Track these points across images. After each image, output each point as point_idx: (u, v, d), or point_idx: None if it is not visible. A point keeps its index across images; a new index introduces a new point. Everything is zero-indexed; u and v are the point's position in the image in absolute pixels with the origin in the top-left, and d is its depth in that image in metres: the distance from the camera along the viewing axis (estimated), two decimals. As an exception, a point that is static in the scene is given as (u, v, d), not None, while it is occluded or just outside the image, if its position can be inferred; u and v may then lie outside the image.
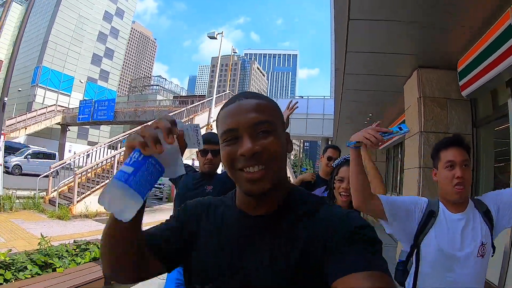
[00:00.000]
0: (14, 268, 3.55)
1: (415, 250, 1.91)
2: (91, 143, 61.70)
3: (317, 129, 24.08)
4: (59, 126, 46.61)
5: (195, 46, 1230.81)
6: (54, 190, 11.61)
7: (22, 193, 11.61)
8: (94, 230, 8.48)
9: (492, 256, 1.84)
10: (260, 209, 0.93)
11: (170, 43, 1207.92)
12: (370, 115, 9.40)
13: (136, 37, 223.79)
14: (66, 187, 11.95)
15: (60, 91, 58.57)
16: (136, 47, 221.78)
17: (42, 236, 4.15)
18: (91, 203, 10.88)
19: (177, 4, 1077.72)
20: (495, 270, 4.23)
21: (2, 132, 10.34)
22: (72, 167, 14.11)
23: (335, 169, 2.69)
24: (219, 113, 0.97)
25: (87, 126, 55.90)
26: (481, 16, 4.09)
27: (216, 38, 20.32)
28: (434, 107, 5.40)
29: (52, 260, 3.86)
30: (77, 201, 10.67)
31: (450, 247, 1.79)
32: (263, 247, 0.87)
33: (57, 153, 26.66)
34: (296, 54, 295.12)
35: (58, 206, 10.48)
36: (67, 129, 47.74)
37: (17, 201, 10.35)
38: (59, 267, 3.76)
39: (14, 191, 10.85)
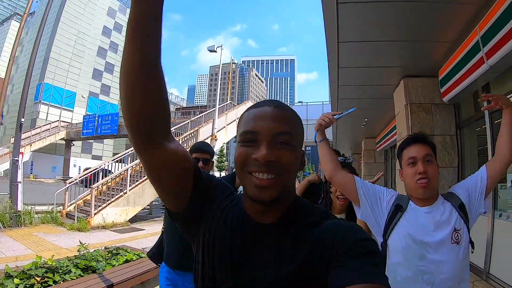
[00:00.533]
0: (61, 271, 4.14)
1: (386, 249, 1.90)
2: (96, 157, 62.15)
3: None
4: (63, 142, 47.31)
5: (192, 56, 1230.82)
6: (70, 204, 12.18)
7: (40, 208, 12.11)
8: (114, 240, 8.99)
9: (472, 252, 1.84)
10: (266, 216, 0.94)
11: (168, 54, 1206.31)
12: (366, 119, 9.93)
13: None
14: (81, 201, 12.53)
15: (63, 107, 59.33)
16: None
17: (81, 243, 4.73)
18: (108, 214, 11.48)
19: (173, 15, 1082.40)
20: (480, 255, 4.81)
21: (20, 151, 10.96)
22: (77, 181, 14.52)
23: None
24: (244, 113, 0.98)
25: (91, 141, 56.51)
26: (456, 32, 4.64)
27: (216, 51, 20.98)
28: (420, 112, 5.94)
29: (91, 263, 4.45)
30: (95, 214, 11.25)
31: (420, 234, 1.77)
32: (268, 256, 0.88)
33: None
34: (294, 59, 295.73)
35: (77, 219, 11.06)
36: (72, 144, 48.32)
37: (36, 215, 10.84)
38: (98, 269, 4.35)
39: (33, 206, 11.32)
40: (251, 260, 0.89)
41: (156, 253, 3.01)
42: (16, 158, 10.62)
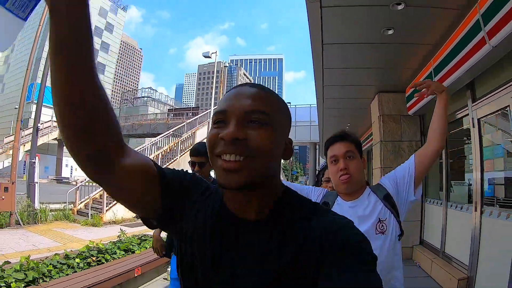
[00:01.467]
0: (110, 251, 5.33)
1: None
2: (87, 157, 62.55)
3: (305, 135, 25.07)
4: (55, 142, 47.48)
5: (180, 54, 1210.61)
6: (81, 202, 13.19)
7: (54, 206, 13.03)
8: (127, 233, 9.88)
9: (399, 240, 1.88)
10: (249, 210, 0.84)
11: (156, 52, 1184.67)
12: (349, 124, 11.17)
13: (122, 48, 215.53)
14: (90, 199, 13.49)
15: None
16: (123, 58, 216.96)
17: (121, 230, 5.93)
18: (118, 211, 12.58)
19: (161, 12, 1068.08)
20: (438, 237, 6.10)
21: (37, 154, 11.94)
22: (70, 181, 15.09)
23: (321, 171, 3.14)
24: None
25: (82, 140, 56.54)
26: (417, 63, 5.82)
27: (210, 57, 22.02)
28: (390, 122, 7.18)
29: (130, 246, 5.64)
30: (106, 210, 12.35)
31: None
32: (251, 256, 0.79)
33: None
34: (282, 58, 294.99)
35: (88, 215, 12.17)
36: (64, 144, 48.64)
37: (50, 213, 11.77)
38: (137, 251, 5.53)
39: (48, 204, 12.31)
40: (233, 260, 0.81)
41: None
42: (33, 160, 11.63)
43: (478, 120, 4.85)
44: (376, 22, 4.59)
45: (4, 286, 3.94)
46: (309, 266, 0.74)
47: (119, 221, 12.37)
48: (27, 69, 11.86)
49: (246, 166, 0.76)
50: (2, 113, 58.01)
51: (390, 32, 4.76)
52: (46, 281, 4.29)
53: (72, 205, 13.17)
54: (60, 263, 4.80)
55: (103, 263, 5.07)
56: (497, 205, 4.39)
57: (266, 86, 0.88)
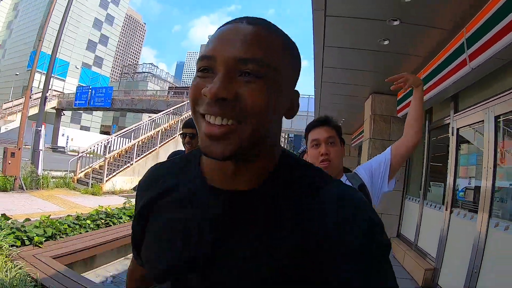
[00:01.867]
0: (117, 216, 5.93)
1: None
2: (84, 128, 62.20)
3: (301, 124, 25.30)
4: (54, 111, 47.64)
5: (184, 32, 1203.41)
6: (81, 172, 13.70)
7: (55, 173, 13.46)
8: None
9: None
10: (238, 180, 0.66)
11: (160, 28, 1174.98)
12: (343, 119, 11.70)
13: (126, 21, 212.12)
14: (90, 169, 14.02)
15: (56, 76, 58.52)
16: (125, 31, 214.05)
17: (128, 198, 6.51)
18: (116, 182, 13.21)
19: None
20: (412, 232, 6.68)
21: (43, 122, 12.36)
22: (65, 151, 15.41)
23: (300, 154, 3.15)
24: None
25: (80, 111, 56.75)
26: (409, 71, 6.24)
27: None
28: (380, 121, 7.69)
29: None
30: (106, 180, 12.93)
31: None
32: (244, 240, 0.63)
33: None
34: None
35: (87, 184, 12.73)
36: (62, 114, 48.77)
37: (52, 180, 12.19)
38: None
39: (49, 172, 12.77)
40: (219, 248, 0.63)
41: None
42: (39, 128, 12.09)
43: (457, 129, 5.35)
44: (374, 33, 5.07)
45: (26, 239, 4.50)
46: (314, 255, 0.59)
47: (117, 191, 12.93)
48: (39, 40, 12.11)
49: (234, 132, 0.59)
50: (1, 79, 57.65)
51: (386, 42, 5.26)
52: (62, 237, 4.87)
53: (72, 173, 13.59)
54: (73, 223, 5.39)
55: (111, 225, 5.73)
56: (464, 207, 4.94)
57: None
